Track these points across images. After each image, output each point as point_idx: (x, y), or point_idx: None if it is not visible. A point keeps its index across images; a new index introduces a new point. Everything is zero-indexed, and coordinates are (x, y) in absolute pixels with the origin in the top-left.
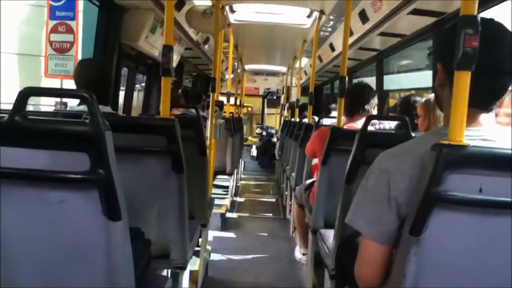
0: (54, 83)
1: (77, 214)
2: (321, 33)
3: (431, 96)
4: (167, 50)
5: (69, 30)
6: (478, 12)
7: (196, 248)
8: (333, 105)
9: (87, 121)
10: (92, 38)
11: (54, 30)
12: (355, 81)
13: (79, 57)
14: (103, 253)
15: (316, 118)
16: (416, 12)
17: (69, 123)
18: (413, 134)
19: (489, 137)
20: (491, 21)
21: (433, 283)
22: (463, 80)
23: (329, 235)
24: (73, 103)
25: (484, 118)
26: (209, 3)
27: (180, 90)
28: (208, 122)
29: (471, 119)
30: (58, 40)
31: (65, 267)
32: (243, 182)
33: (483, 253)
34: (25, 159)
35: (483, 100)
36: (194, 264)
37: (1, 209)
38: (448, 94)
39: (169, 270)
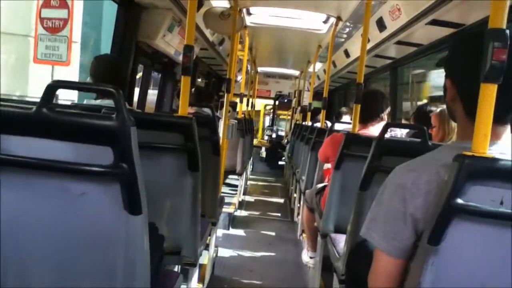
0: (44, 70)
1: (98, 206)
2: (336, 39)
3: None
4: (188, 49)
5: (63, 5)
6: (507, 27)
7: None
8: (343, 109)
9: (113, 115)
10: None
11: (46, 4)
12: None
13: (74, 40)
14: (121, 246)
15: (329, 123)
16: (434, 22)
17: (94, 117)
18: (429, 143)
19: (507, 151)
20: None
21: None
22: (489, 93)
23: (340, 239)
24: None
25: (501, 131)
26: (227, 5)
27: (193, 89)
28: (221, 122)
29: (491, 132)
30: (50, 16)
31: (82, 259)
32: (251, 182)
33: (501, 267)
34: (50, 150)
35: (499, 113)
36: (202, 261)
37: (24, 198)
38: (460, 108)
39: (179, 266)
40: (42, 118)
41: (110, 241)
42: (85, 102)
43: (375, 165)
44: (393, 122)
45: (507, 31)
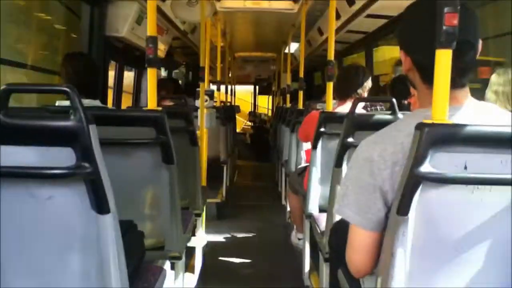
0: None
1: (66, 209)
2: (309, 17)
3: None
4: (151, 40)
5: None
6: None
7: (193, 238)
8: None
9: (70, 115)
10: None
11: None
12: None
13: None
14: (93, 246)
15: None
16: None
17: (52, 118)
18: (399, 115)
19: (471, 114)
20: None
21: (422, 262)
22: (445, 59)
23: (323, 219)
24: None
25: (461, 95)
26: None
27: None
28: (199, 112)
29: (450, 98)
30: None
31: (56, 262)
32: (238, 170)
33: (469, 230)
34: (11, 156)
35: (455, 77)
36: (192, 254)
37: None
38: (417, 76)
39: (166, 262)
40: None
41: (81, 242)
42: (56, 103)
43: (348, 141)
44: (363, 97)
45: None
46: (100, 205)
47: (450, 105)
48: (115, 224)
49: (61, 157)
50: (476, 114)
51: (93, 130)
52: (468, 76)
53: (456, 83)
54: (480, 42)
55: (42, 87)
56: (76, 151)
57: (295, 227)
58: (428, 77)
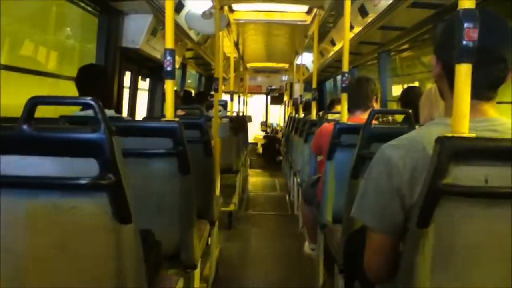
0: None
1: (88, 219)
2: (322, 28)
3: (433, 86)
4: (169, 53)
5: None
6: (476, 5)
7: (206, 247)
8: (336, 98)
9: (94, 127)
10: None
11: None
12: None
13: None
14: (114, 256)
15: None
16: (415, 5)
17: (76, 130)
18: (416, 127)
19: (499, 128)
20: (482, 10)
21: (442, 275)
22: (464, 73)
23: (338, 230)
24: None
25: (488, 108)
26: (209, 4)
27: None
28: (213, 122)
29: (474, 110)
30: None
31: (77, 271)
32: (250, 179)
33: (490, 244)
34: (36, 167)
35: (480, 90)
36: (205, 263)
37: (13, 218)
38: (446, 85)
39: (181, 271)
40: (25, 135)
41: (102, 252)
42: (72, 113)
43: (364, 152)
44: (379, 109)
45: (477, 12)
46: (122, 215)
47: (475, 117)
48: (136, 234)
49: (85, 167)
50: (504, 129)
51: (116, 141)
52: (495, 89)
53: (482, 95)
54: None
55: (66, 99)
56: (100, 162)
57: (307, 237)
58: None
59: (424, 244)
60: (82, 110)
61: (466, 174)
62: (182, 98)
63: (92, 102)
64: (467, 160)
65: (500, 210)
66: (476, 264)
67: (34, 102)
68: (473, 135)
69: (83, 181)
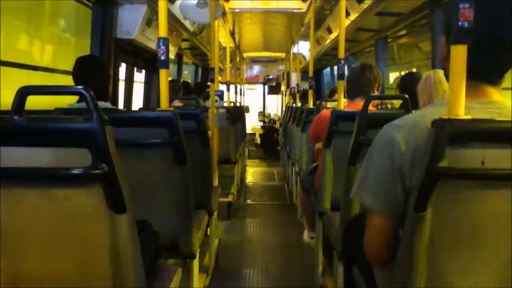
0: None
1: (83, 209)
2: (318, 16)
3: (428, 73)
4: (163, 41)
5: None
6: None
7: (205, 238)
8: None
9: (86, 117)
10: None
11: None
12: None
13: None
14: (110, 246)
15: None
16: None
17: (68, 120)
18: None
19: (502, 112)
20: None
21: (441, 258)
22: (460, 54)
23: (336, 217)
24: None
25: (493, 92)
26: None
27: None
28: (210, 112)
29: (479, 92)
30: None
31: (74, 261)
32: (248, 170)
33: (487, 226)
34: (28, 158)
35: (488, 73)
36: (204, 253)
37: (7, 210)
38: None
39: (180, 261)
40: (17, 126)
41: (98, 242)
42: (68, 105)
43: (361, 139)
44: (376, 95)
45: None
46: (116, 205)
47: (479, 98)
48: (132, 223)
49: (77, 158)
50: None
51: (109, 131)
52: (503, 75)
53: (490, 79)
54: None
55: (57, 89)
56: (93, 152)
57: (306, 226)
58: None
59: (421, 228)
60: (78, 102)
61: (463, 157)
62: (184, 89)
63: (83, 91)
64: (464, 142)
65: (498, 191)
66: (476, 247)
67: (24, 92)
68: (468, 117)
69: (76, 172)
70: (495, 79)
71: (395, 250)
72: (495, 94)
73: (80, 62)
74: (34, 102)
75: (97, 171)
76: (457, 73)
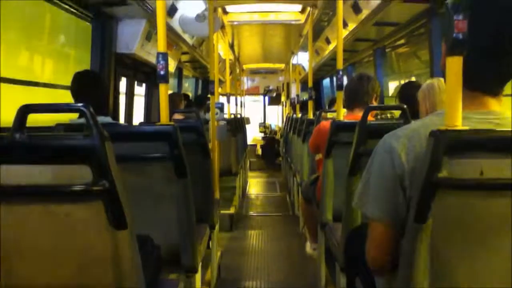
0: None
1: (84, 225)
2: (316, 27)
3: (429, 82)
4: (162, 56)
5: None
6: None
7: (207, 251)
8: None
9: (86, 133)
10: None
11: None
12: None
13: None
14: (110, 262)
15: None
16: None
17: (68, 137)
18: (413, 122)
19: (500, 122)
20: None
21: (443, 268)
22: (456, 66)
23: (338, 228)
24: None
25: (492, 102)
26: (202, 7)
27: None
28: (210, 125)
29: (478, 102)
30: None
31: (74, 277)
32: (250, 181)
33: (487, 236)
34: (29, 175)
35: (488, 84)
36: (207, 266)
37: (8, 226)
38: None
39: (182, 275)
40: (16, 144)
41: (99, 258)
42: (69, 121)
43: (361, 149)
44: (375, 105)
45: (465, 2)
46: (117, 221)
47: (478, 109)
48: (132, 239)
49: (78, 174)
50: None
51: (109, 147)
52: (503, 85)
53: (489, 89)
54: None
55: (57, 106)
56: (93, 168)
57: (309, 237)
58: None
59: (422, 239)
60: (79, 117)
61: (461, 167)
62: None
63: (83, 108)
64: (462, 152)
65: (497, 202)
66: (475, 257)
67: (25, 111)
68: (466, 128)
69: (76, 188)
70: (494, 90)
71: (396, 259)
72: (494, 104)
73: (79, 77)
74: (35, 118)
75: (97, 188)
76: (453, 84)
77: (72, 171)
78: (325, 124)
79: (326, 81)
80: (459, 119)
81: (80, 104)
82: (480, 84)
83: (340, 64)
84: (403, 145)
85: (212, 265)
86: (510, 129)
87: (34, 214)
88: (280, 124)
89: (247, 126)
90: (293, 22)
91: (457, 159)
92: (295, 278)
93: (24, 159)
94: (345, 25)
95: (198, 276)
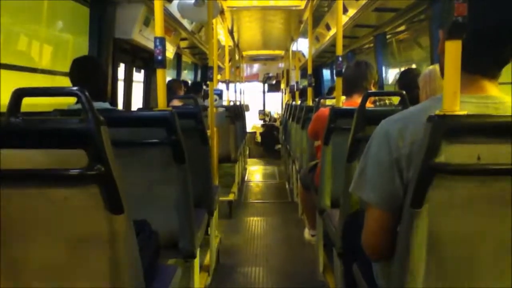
0: None
1: (80, 210)
2: (316, 13)
3: (431, 68)
4: (159, 41)
5: None
6: None
7: (206, 237)
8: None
9: (81, 118)
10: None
11: None
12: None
13: None
14: (107, 246)
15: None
16: None
17: (64, 121)
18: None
19: (499, 107)
20: None
21: (438, 254)
22: (455, 50)
23: (336, 214)
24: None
25: (490, 86)
26: None
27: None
28: (209, 111)
29: (477, 86)
30: None
31: (70, 264)
32: (249, 168)
33: (484, 221)
34: (24, 160)
35: (486, 67)
36: (205, 252)
37: (5, 211)
38: None
39: (180, 260)
40: (12, 128)
41: (96, 243)
42: (67, 107)
43: (359, 136)
44: (374, 91)
45: None
46: (113, 206)
47: (476, 93)
48: (129, 224)
49: (74, 159)
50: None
51: (104, 131)
52: (501, 68)
53: (488, 73)
54: None
55: (52, 90)
56: (89, 152)
57: (307, 223)
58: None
59: (418, 224)
60: (77, 103)
61: (458, 152)
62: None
63: (78, 92)
64: (459, 138)
65: (494, 187)
66: (471, 242)
67: (19, 94)
68: (464, 112)
69: (72, 172)
70: (492, 73)
71: (393, 244)
72: (492, 88)
73: (77, 63)
74: (33, 104)
75: (93, 172)
76: (452, 68)
77: (68, 156)
78: (324, 111)
79: (327, 73)
80: (457, 104)
81: (75, 88)
82: (479, 67)
83: (339, 51)
84: (400, 130)
85: (211, 250)
86: (508, 114)
87: (30, 198)
88: (280, 111)
89: (246, 113)
90: (293, 8)
91: (454, 144)
92: (293, 264)
93: (19, 143)
94: (345, 10)
95: (196, 261)
